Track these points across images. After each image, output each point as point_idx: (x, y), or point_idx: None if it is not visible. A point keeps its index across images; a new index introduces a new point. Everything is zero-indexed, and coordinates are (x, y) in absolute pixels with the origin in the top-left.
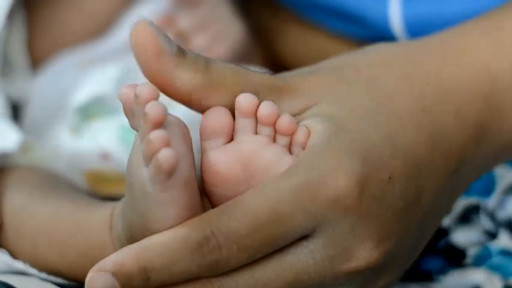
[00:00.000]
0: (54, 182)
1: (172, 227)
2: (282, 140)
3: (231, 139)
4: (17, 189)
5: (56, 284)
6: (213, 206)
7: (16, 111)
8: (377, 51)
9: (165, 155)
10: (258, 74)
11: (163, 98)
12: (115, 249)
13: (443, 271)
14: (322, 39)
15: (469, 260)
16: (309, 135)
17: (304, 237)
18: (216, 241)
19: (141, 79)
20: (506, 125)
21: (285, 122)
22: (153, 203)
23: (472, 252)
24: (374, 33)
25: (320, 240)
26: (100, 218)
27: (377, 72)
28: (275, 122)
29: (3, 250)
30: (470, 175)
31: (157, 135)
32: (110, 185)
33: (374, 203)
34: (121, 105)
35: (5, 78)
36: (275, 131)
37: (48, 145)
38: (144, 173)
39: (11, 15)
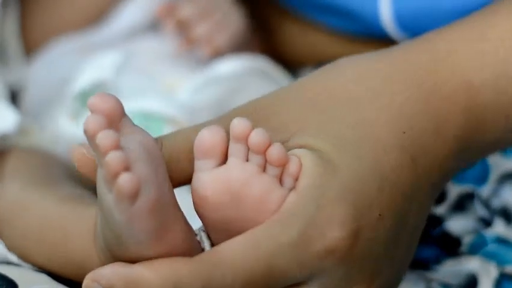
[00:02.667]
0: (49, 172)
1: (149, 253)
2: (273, 170)
3: (224, 161)
4: (11, 180)
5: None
6: (204, 225)
7: (11, 98)
8: (347, 66)
9: (125, 179)
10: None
11: (165, 82)
12: (100, 261)
13: (438, 260)
14: (316, 33)
15: (464, 248)
16: (301, 167)
17: (296, 283)
18: None
19: (142, 65)
20: (486, 138)
21: (275, 153)
22: (123, 231)
23: (467, 240)
24: (365, 28)
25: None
26: (86, 225)
27: (353, 93)
28: (265, 150)
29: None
30: (449, 178)
31: (113, 157)
32: None
33: (367, 244)
34: (122, 92)
35: (0, 65)
36: (266, 159)
37: (48, 131)
38: (109, 199)
39: (4, 4)
